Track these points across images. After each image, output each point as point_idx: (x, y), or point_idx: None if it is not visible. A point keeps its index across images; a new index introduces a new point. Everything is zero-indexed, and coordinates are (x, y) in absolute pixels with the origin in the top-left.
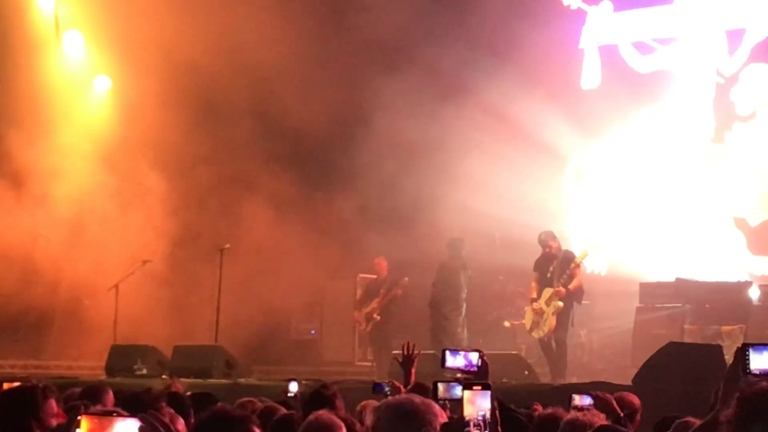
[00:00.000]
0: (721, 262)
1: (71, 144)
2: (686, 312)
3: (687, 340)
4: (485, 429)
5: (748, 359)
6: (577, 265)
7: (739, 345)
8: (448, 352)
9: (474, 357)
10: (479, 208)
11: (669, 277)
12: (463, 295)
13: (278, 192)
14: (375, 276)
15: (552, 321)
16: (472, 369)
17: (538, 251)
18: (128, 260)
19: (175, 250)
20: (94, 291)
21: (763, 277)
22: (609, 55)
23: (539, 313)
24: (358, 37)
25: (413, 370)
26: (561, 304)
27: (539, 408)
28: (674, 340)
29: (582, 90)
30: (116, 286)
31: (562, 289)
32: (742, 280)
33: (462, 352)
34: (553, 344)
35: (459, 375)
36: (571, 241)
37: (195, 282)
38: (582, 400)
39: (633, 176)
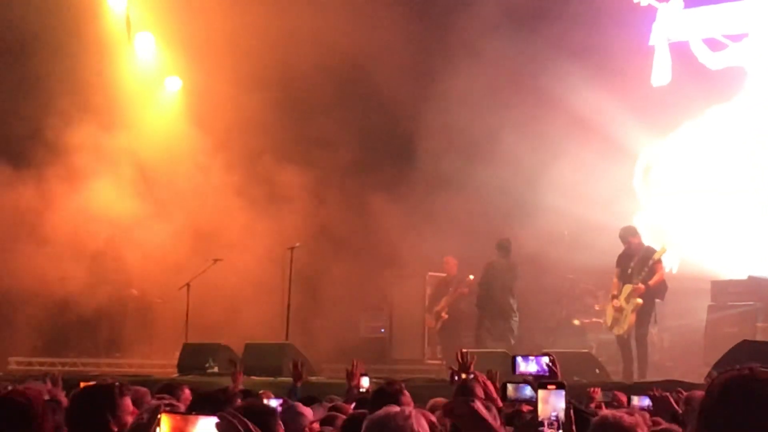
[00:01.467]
0: None
1: (143, 143)
2: (759, 310)
3: (760, 338)
4: (559, 428)
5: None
6: (657, 261)
7: None
8: (519, 358)
9: (544, 361)
10: (549, 205)
11: (741, 275)
12: (511, 297)
13: (346, 193)
14: (444, 274)
15: (631, 318)
16: (543, 373)
17: (607, 248)
18: (200, 258)
19: (247, 248)
20: (166, 289)
21: None
22: (680, 51)
23: (619, 310)
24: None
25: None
26: (640, 301)
27: (598, 392)
28: (747, 339)
29: (653, 87)
30: (188, 285)
31: (641, 285)
32: None
33: (533, 357)
34: (633, 342)
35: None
36: (642, 238)
37: (266, 280)
38: (641, 401)
39: (703, 173)
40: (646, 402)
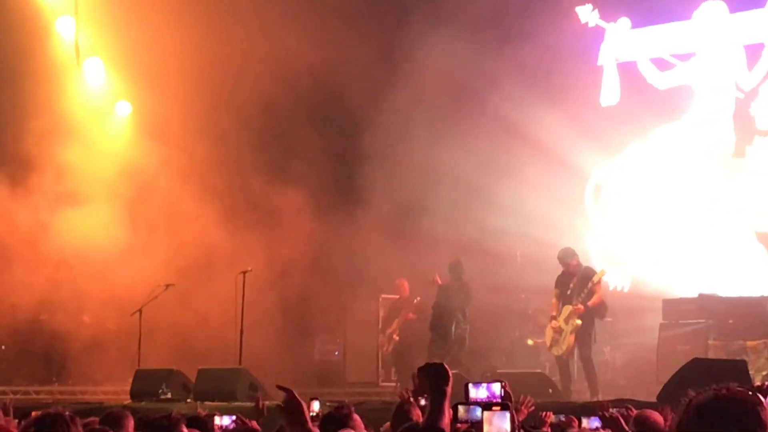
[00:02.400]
0: (743, 276)
1: (94, 169)
2: (710, 327)
3: (711, 355)
4: None
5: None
6: (596, 283)
7: (765, 358)
8: (470, 385)
9: (497, 388)
10: (500, 226)
11: (692, 293)
12: (463, 318)
13: (299, 214)
14: (397, 296)
15: (570, 339)
16: (495, 400)
17: (559, 269)
18: (151, 284)
19: (198, 273)
20: (118, 316)
21: None
22: (628, 71)
23: (558, 331)
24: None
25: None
26: (579, 322)
27: (550, 416)
28: (698, 356)
29: (602, 107)
30: (140, 311)
31: (580, 306)
32: (766, 294)
33: (484, 384)
34: (575, 363)
35: None
36: (593, 258)
37: (218, 305)
38: (590, 423)
39: (654, 192)
40: (596, 423)
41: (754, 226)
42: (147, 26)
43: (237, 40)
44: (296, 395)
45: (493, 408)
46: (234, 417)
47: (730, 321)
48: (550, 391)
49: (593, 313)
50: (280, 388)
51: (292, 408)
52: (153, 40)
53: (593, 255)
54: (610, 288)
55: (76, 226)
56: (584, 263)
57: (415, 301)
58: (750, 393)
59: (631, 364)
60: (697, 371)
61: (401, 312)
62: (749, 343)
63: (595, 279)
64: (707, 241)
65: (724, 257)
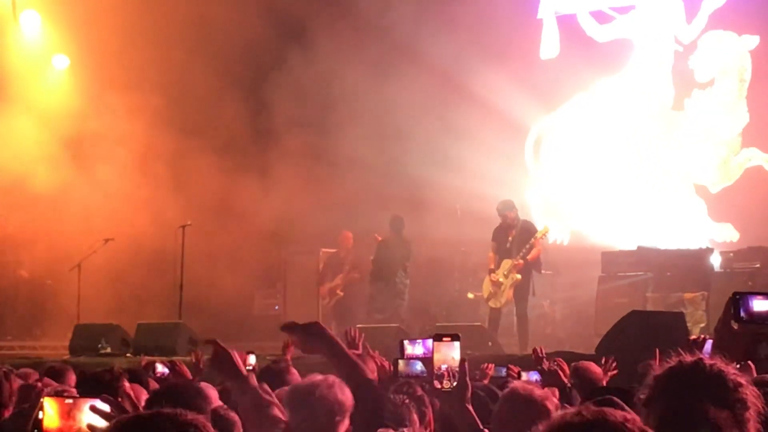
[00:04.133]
0: (682, 229)
1: (30, 123)
2: (648, 280)
3: (649, 308)
4: (453, 379)
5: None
6: (538, 239)
7: (703, 310)
8: (406, 342)
9: (429, 343)
10: (440, 180)
11: (631, 246)
12: (404, 273)
13: (240, 166)
14: (335, 250)
15: (509, 293)
16: (428, 356)
17: (498, 223)
18: (90, 239)
19: (137, 227)
20: (57, 271)
21: (724, 244)
22: (567, 24)
23: (497, 284)
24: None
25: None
26: (519, 276)
27: (491, 368)
28: (636, 309)
29: (541, 60)
30: (78, 266)
31: (521, 261)
32: (704, 247)
33: (420, 341)
34: (515, 318)
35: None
36: (533, 212)
37: (157, 259)
38: (529, 376)
39: (593, 145)
40: (535, 377)
41: (693, 179)
42: None
43: None
44: (222, 345)
45: (444, 339)
46: (167, 364)
47: (669, 273)
48: (490, 344)
49: (531, 268)
50: (206, 342)
51: (221, 359)
52: None
53: (533, 209)
54: (550, 241)
55: (11, 178)
56: (524, 217)
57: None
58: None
59: (571, 317)
60: (635, 324)
61: (345, 265)
62: (687, 296)
63: (538, 235)
64: (646, 194)
65: (663, 210)
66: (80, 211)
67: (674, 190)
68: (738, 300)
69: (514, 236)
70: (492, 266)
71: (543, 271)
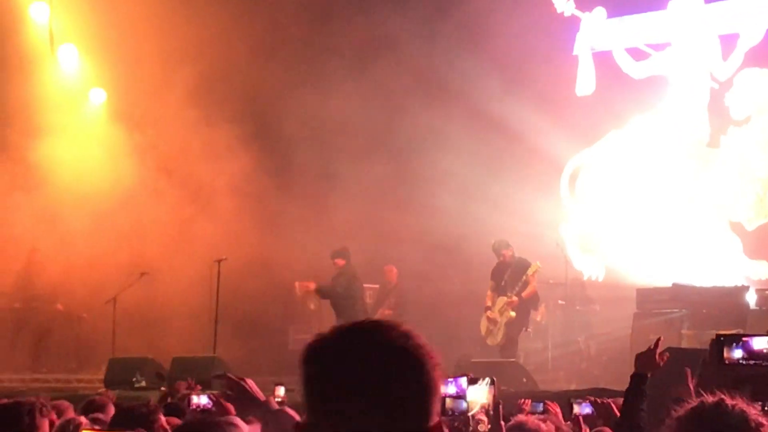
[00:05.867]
0: (717, 266)
1: (66, 156)
2: (683, 317)
3: (684, 345)
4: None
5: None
6: (531, 275)
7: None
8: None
9: (464, 383)
10: (475, 215)
11: (666, 283)
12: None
13: (278, 203)
14: (378, 285)
15: (504, 330)
16: (462, 395)
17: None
18: (126, 272)
19: (173, 261)
20: (92, 305)
21: (760, 282)
22: (603, 61)
23: (493, 322)
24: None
25: None
26: (513, 314)
27: (528, 403)
28: (671, 346)
29: (577, 96)
30: (114, 299)
31: (515, 298)
32: (739, 284)
33: (452, 380)
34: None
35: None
36: (568, 247)
37: (193, 294)
38: (582, 409)
39: (629, 182)
40: (588, 409)
41: (729, 216)
42: (120, 11)
43: (214, 24)
44: (233, 377)
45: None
46: (210, 395)
47: (704, 311)
48: (524, 380)
49: (526, 305)
50: (215, 377)
51: (236, 391)
52: (127, 26)
53: (568, 244)
54: (584, 277)
55: (49, 215)
56: (559, 252)
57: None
58: None
59: (606, 353)
60: (669, 361)
61: (390, 300)
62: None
63: (530, 272)
64: (681, 230)
65: (698, 247)
66: (116, 244)
67: (710, 227)
68: (721, 342)
69: (509, 274)
70: (489, 304)
71: (577, 308)
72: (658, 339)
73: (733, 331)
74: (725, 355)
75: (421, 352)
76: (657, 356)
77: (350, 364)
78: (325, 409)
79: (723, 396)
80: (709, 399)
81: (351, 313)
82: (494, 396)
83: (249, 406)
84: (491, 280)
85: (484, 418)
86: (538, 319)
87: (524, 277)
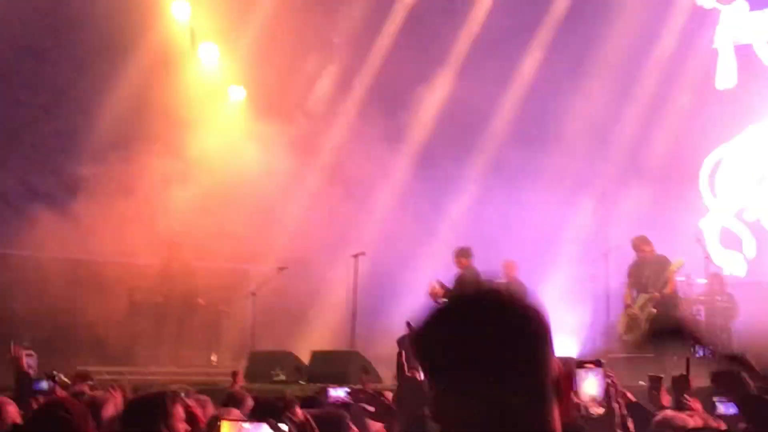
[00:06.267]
0: None
1: (213, 153)
2: None
3: None
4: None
5: None
6: (673, 272)
7: None
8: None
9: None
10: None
11: None
12: None
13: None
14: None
15: (645, 326)
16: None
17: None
18: (265, 267)
19: (312, 255)
20: (232, 298)
21: None
22: (744, 54)
23: (633, 318)
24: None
25: None
26: (655, 310)
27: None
28: None
29: (717, 90)
30: (253, 293)
31: (656, 293)
32: None
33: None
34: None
35: None
36: (708, 242)
37: (331, 288)
38: (726, 409)
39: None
40: (732, 410)
41: None
42: (259, 9)
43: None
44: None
45: (586, 366)
46: (348, 389)
47: None
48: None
49: (669, 301)
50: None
51: (375, 400)
52: (266, 24)
53: (709, 239)
54: (726, 272)
55: (191, 211)
56: (700, 247)
57: None
58: None
59: (749, 350)
60: None
61: None
62: None
63: (673, 268)
64: None
65: None
66: (255, 239)
67: None
68: None
69: (650, 271)
70: (629, 301)
71: (719, 303)
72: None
73: None
74: None
75: (534, 316)
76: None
77: (468, 333)
78: (449, 378)
79: None
80: None
81: None
82: (609, 384)
83: (384, 415)
84: (628, 277)
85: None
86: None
87: (666, 273)
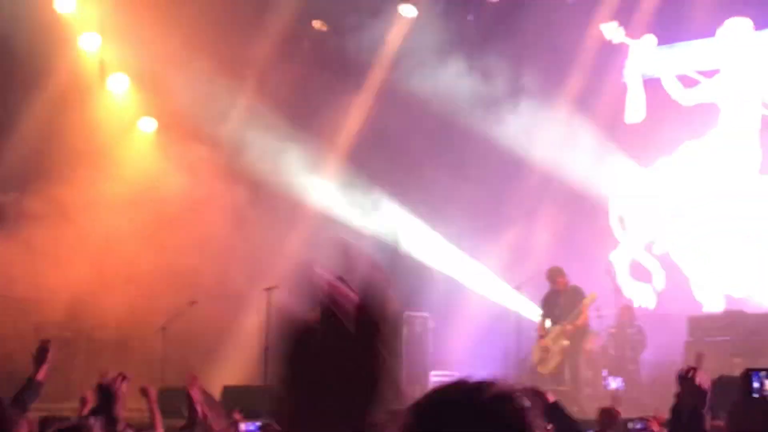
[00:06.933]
0: None
1: (116, 185)
2: (736, 344)
3: (737, 373)
4: None
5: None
6: (586, 306)
7: None
8: None
9: None
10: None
11: (718, 310)
12: None
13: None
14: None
15: (558, 359)
16: None
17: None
18: (175, 301)
19: (222, 289)
20: (142, 332)
21: None
22: (653, 88)
23: (545, 350)
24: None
25: None
26: (567, 342)
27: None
28: (724, 374)
29: (626, 124)
30: (163, 328)
31: (569, 326)
32: None
33: None
34: (567, 382)
35: None
36: (619, 275)
37: (242, 321)
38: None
39: (679, 208)
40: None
41: None
42: (170, 42)
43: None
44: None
45: None
46: (259, 423)
47: (756, 338)
48: (576, 409)
49: (581, 334)
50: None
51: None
52: (176, 56)
53: (619, 271)
54: (636, 304)
55: (99, 242)
56: (610, 279)
57: None
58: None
59: (657, 381)
60: (723, 389)
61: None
62: None
63: (586, 302)
64: (733, 258)
65: (750, 275)
66: (165, 272)
67: (760, 254)
68: (749, 375)
69: (563, 302)
70: (542, 332)
71: (629, 335)
72: (701, 355)
73: None
74: (754, 387)
75: (517, 417)
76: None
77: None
78: None
79: None
80: None
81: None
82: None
83: None
84: (542, 307)
85: None
86: (588, 348)
87: (580, 306)
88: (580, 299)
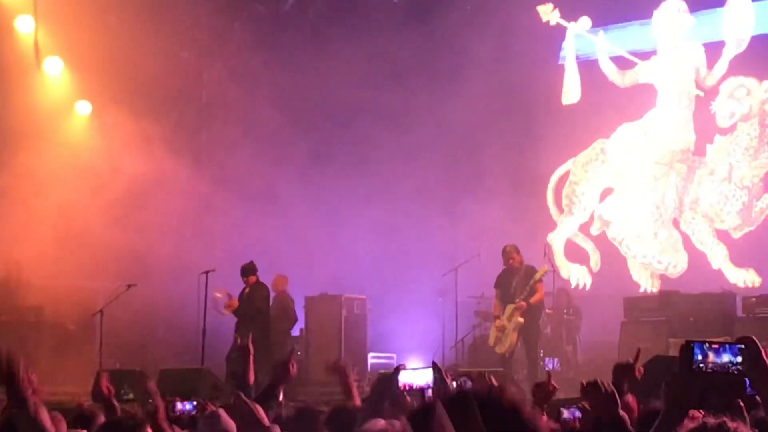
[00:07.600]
0: (704, 274)
1: (55, 168)
2: (671, 325)
3: (672, 353)
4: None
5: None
6: (538, 281)
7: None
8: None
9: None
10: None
11: (653, 290)
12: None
13: (277, 212)
14: None
15: (513, 337)
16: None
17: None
18: (113, 284)
19: (160, 273)
20: (79, 316)
21: (746, 289)
22: (589, 70)
23: (501, 330)
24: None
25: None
26: (521, 320)
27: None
28: (659, 354)
29: (562, 105)
30: (101, 311)
31: (523, 303)
32: (726, 291)
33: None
34: (518, 361)
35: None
36: (556, 256)
37: (180, 305)
38: (569, 414)
39: (615, 189)
40: (577, 414)
41: (714, 224)
42: (106, 25)
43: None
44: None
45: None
46: (195, 402)
47: (691, 318)
48: (513, 390)
49: (536, 311)
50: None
51: (245, 412)
52: (112, 39)
53: (556, 252)
54: (572, 285)
55: (35, 227)
56: (548, 261)
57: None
58: None
59: (593, 362)
60: (658, 368)
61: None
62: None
63: (537, 277)
64: (668, 238)
65: (686, 255)
66: (104, 255)
67: (696, 235)
68: (691, 348)
69: (517, 281)
70: (497, 313)
71: (565, 316)
72: (638, 351)
73: (720, 339)
74: (694, 361)
75: None
76: (636, 369)
77: None
78: None
79: (725, 419)
80: (711, 421)
81: None
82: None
83: (253, 428)
84: (496, 288)
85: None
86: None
87: (531, 282)
88: (531, 276)
